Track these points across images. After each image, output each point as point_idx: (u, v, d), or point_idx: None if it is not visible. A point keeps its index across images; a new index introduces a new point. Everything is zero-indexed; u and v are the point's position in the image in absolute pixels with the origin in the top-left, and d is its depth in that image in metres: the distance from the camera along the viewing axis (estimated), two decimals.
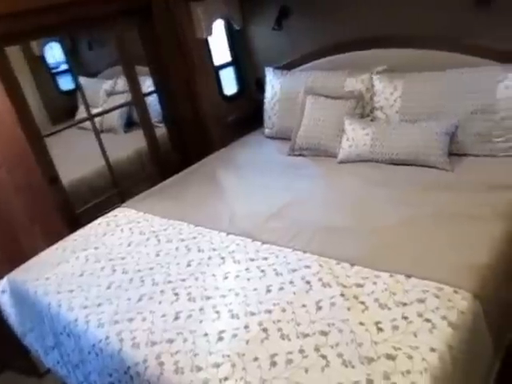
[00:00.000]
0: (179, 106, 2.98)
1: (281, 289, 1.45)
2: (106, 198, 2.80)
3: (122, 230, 2.06)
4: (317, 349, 1.18)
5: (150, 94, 2.98)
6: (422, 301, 1.27)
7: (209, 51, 3.06)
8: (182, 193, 2.33)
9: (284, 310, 1.34)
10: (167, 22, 2.75)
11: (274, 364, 1.17)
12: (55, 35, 3.26)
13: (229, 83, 3.35)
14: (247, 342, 1.26)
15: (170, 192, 2.38)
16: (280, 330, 1.27)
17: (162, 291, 1.56)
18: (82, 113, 3.52)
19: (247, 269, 1.59)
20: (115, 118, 3.47)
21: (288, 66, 2.92)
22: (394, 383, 1.04)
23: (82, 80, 3.19)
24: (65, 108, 3.99)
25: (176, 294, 1.53)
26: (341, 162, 2.33)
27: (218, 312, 1.40)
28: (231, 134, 3.05)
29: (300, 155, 2.55)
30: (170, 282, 1.61)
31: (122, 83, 3.56)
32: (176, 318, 1.42)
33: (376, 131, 2.25)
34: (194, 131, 3.05)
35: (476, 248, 1.47)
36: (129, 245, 1.92)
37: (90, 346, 1.47)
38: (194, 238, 1.87)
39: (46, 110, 3.90)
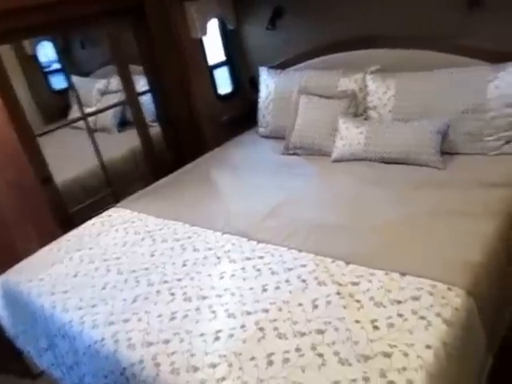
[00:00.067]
0: (173, 106, 2.97)
1: (277, 288, 1.45)
2: (99, 197, 2.78)
3: (116, 230, 2.05)
4: (313, 347, 1.19)
5: (143, 93, 2.97)
6: (416, 298, 1.28)
7: (203, 51, 3.06)
8: (177, 192, 2.33)
9: (280, 309, 1.35)
10: (161, 22, 2.74)
11: (270, 363, 1.17)
12: (47, 34, 3.24)
13: (223, 83, 3.35)
14: (244, 341, 1.26)
15: (164, 192, 2.37)
16: (276, 329, 1.28)
17: (157, 291, 1.56)
18: (74, 112, 3.49)
19: (243, 268, 1.59)
20: (109, 118, 3.45)
21: (282, 66, 2.92)
22: (391, 381, 1.05)
23: (75, 79, 3.17)
24: (57, 107, 3.96)
25: (172, 294, 1.53)
26: (335, 161, 2.34)
27: (214, 312, 1.40)
28: (225, 133, 3.05)
29: (294, 154, 2.56)
30: (165, 282, 1.60)
31: (115, 82, 3.54)
32: (172, 319, 1.41)
33: (369, 130, 2.26)
34: (189, 131, 3.04)
35: (469, 245, 1.48)
36: (123, 245, 1.91)
37: (84, 348, 1.46)
38: (189, 237, 1.87)
39: (39, 110, 3.86)
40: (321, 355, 1.16)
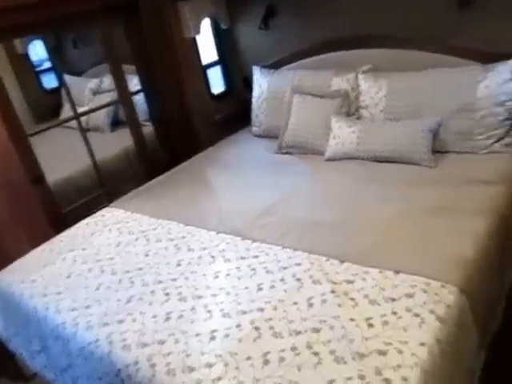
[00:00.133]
0: (166, 105, 2.96)
1: (272, 287, 1.45)
2: (92, 197, 2.76)
3: (110, 230, 2.04)
4: (309, 346, 1.19)
5: (136, 92, 2.95)
6: (410, 296, 1.30)
7: (196, 50, 3.05)
8: (171, 192, 2.32)
9: (275, 308, 1.35)
10: (154, 21, 2.73)
11: (266, 362, 1.17)
12: (39, 33, 3.20)
13: (216, 82, 3.34)
14: (239, 340, 1.26)
15: (158, 191, 2.37)
16: (272, 328, 1.28)
17: (152, 292, 1.55)
18: (66, 112, 3.46)
19: (238, 267, 1.59)
20: (101, 117, 3.42)
21: (275, 65, 2.92)
22: (386, 378, 1.06)
23: (67, 78, 3.13)
24: (49, 107, 3.92)
25: (166, 294, 1.52)
26: (328, 160, 2.35)
27: (209, 311, 1.40)
28: (219, 132, 3.05)
29: (287, 153, 2.56)
30: (160, 282, 1.60)
31: (108, 82, 3.51)
32: (167, 319, 1.41)
33: (362, 129, 2.27)
34: (182, 130, 3.03)
35: (461, 243, 1.50)
36: (117, 245, 1.90)
37: (78, 349, 1.45)
38: (184, 237, 1.86)
39: (30, 109, 3.82)
40: (316, 354, 1.17)
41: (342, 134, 2.31)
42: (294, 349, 1.20)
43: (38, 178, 2.37)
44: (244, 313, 1.36)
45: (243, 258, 1.64)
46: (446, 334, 1.18)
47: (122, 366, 1.30)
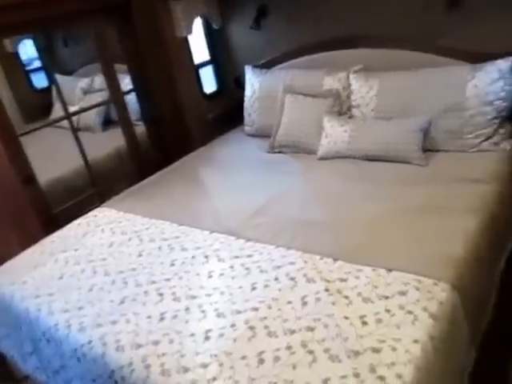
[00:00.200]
0: (158, 105, 2.95)
1: (266, 286, 1.45)
2: (84, 197, 2.74)
3: (102, 230, 2.03)
4: (304, 345, 1.20)
5: (128, 92, 2.93)
6: (403, 293, 1.31)
7: (189, 49, 3.04)
8: (163, 191, 2.31)
9: (270, 307, 1.35)
10: (146, 20, 2.72)
11: (261, 362, 1.17)
12: (30, 33, 3.17)
13: (208, 82, 3.33)
14: (234, 340, 1.26)
15: (150, 191, 2.35)
16: (267, 327, 1.28)
17: (145, 292, 1.55)
18: (57, 111, 3.43)
19: (232, 267, 1.59)
20: (92, 117, 3.40)
21: (267, 65, 2.92)
22: (380, 376, 1.07)
23: (58, 78, 3.10)
24: (39, 106, 3.87)
25: (160, 295, 1.52)
26: (320, 159, 2.36)
27: (203, 311, 1.40)
28: (211, 132, 3.04)
29: (280, 152, 2.57)
30: (153, 282, 1.59)
31: (99, 81, 3.49)
32: (161, 319, 1.41)
33: (353, 128, 2.28)
34: (174, 129, 3.02)
35: (452, 241, 1.52)
36: (110, 245, 1.89)
37: (71, 351, 1.44)
38: (177, 237, 1.86)
39: (20, 108, 3.78)
40: (311, 352, 1.17)
41: (334, 133, 2.32)
42: (288, 348, 1.20)
43: (28, 178, 2.34)
44: (238, 312, 1.36)
45: (237, 258, 1.64)
46: (439, 330, 1.19)
47: (115, 368, 1.29)
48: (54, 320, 1.51)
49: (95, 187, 2.80)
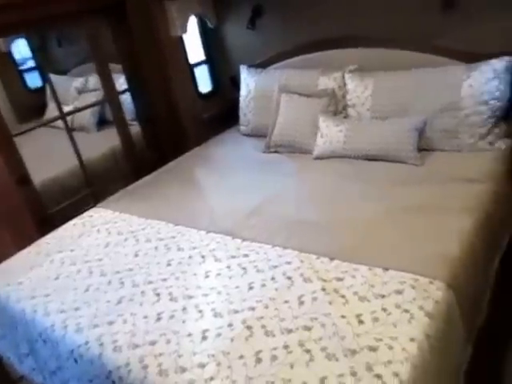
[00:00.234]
0: (154, 104, 2.94)
1: (263, 285, 1.46)
2: (79, 197, 2.73)
3: (98, 230, 2.02)
4: (301, 344, 1.20)
5: (123, 92, 2.92)
6: (399, 292, 1.31)
7: (184, 49, 3.04)
8: (159, 192, 2.31)
9: (267, 307, 1.36)
10: (141, 20, 2.71)
11: (259, 361, 1.18)
12: (24, 33, 3.15)
13: (203, 81, 3.33)
14: (232, 340, 1.26)
15: (146, 191, 2.35)
16: (264, 326, 1.28)
17: (142, 292, 1.54)
18: (51, 111, 3.41)
19: (228, 267, 1.59)
20: (87, 117, 3.38)
21: (262, 65, 2.93)
22: (377, 374, 1.07)
23: (52, 77, 3.08)
24: (33, 106, 3.85)
25: (157, 295, 1.52)
26: (316, 159, 2.37)
27: (200, 311, 1.40)
28: (206, 132, 3.04)
29: (276, 152, 2.57)
30: (150, 282, 1.59)
31: (93, 81, 3.48)
32: (158, 319, 1.40)
33: (349, 128, 2.29)
34: (169, 129, 3.01)
35: (448, 240, 1.53)
36: (106, 246, 1.88)
37: (68, 352, 1.43)
38: (174, 237, 1.86)
39: (13, 108, 3.75)
40: (308, 351, 1.17)
41: (330, 133, 2.33)
42: (286, 347, 1.20)
43: (23, 178, 2.33)
44: (235, 312, 1.37)
45: (233, 257, 1.64)
46: (435, 329, 1.20)
47: (113, 368, 1.29)
48: (51, 321, 1.51)
49: (90, 187, 2.79)
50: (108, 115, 3.28)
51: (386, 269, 1.42)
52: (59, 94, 2.63)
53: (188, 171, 2.51)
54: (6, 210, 2.23)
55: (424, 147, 2.17)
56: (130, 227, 2.00)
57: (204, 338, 1.29)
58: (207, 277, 1.57)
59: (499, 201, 1.82)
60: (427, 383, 1.12)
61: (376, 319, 1.23)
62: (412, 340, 1.15)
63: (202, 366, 1.20)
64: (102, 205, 2.28)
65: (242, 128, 2.93)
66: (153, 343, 1.31)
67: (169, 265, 1.68)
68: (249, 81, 2.86)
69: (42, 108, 3.80)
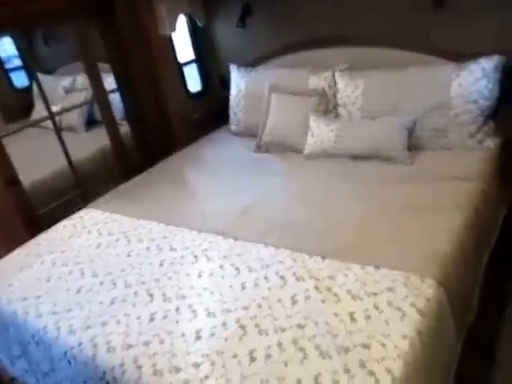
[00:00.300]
0: (143, 104, 2.92)
1: (256, 285, 1.46)
2: (68, 198, 2.70)
3: (89, 231, 2.01)
4: (294, 342, 1.21)
5: (112, 91, 2.90)
6: (391, 290, 1.33)
7: (173, 48, 3.03)
8: (149, 192, 2.30)
9: (260, 306, 1.36)
10: (130, 18, 2.69)
11: (253, 360, 1.18)
12: (10, 31, 3.10)
13: (192, 81, 3.32)
14: (225, 339, 1.27)
15: (136, 191, 2.34)
16: (257, 325, 1.29)
17: (135, 293, 1.54)
18: (39, 111, 3.37)
19: (221, 266, 1.60)
20: (75, 117, 3.35)
21: (252, 64, 2.93)
22: (370, 370, 1.09)
23: (39, 77, 3.05)
24: (19, 106, 3.80)
25: (150, 295, 1.51)
26: (307, 158, 2.38)
27: (194, 311, 1.40)
28: (196, 131, 3.04)
29: (266, 152, 2.58)
30: (143, 282, 1.59)
31: (81, 80, 3.45)
32: (151, 320, 1.40)
33: (340, 127, 2.31)
34: (159, 128, 3.00)
35: (438, 238, 1.55)
36: (97, 247, 1.87)
37: (61, 354, 1.42)
38: (165, 237, 1.85)
39: None
40: (302, 349, 1.19)
41: (321, 133, 2.34)
42: (279, 345, 1.21)
43: (11, 179, 2.30)
44: (229, 311, 1.37)
45: (226, 257, 1.64)
46: (427, 326, 1.22)
47: (107, 369, 1.28)
48: (43, 323, 1.50)
49: (79, 188, 2.76)
50: (97, 115, 3.26)
51: (378, 267, 1.44)
52: (47, 93, 2.60)
53: (178, 171, 2.51)
54: None
55: (414, 146, 2.19)
56: (121, 228, 1.99)
57: (198, 337, 1.30)
58: (200, 277, 1.57)
59: (487, 199, 1.85)
60: (419, 380, 1.14)
61: (368, 317, 1.25)
62: (404, 337, 1.17)
63: (197, 365, 1.20)
64: (93, 205, 2.27)
65: (233, 127, 2.93)
66: (147, 343, 1.31)
67: (161, 265, 1.67)
68: (239, 80, 2.86)
69: (28, 108, 3.75)
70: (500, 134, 2.17)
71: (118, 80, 2.88)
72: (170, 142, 3.00)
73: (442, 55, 2.25)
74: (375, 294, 1.33)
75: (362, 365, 1.11)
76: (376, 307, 1.28)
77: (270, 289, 1.43)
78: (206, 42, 3.24)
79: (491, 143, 2.14)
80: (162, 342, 1.31)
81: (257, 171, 2.35)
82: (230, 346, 1.24)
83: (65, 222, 2.13)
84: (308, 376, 1.11)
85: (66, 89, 3.58)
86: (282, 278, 1.47)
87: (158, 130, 3.01)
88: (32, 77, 3.89)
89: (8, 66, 3.97)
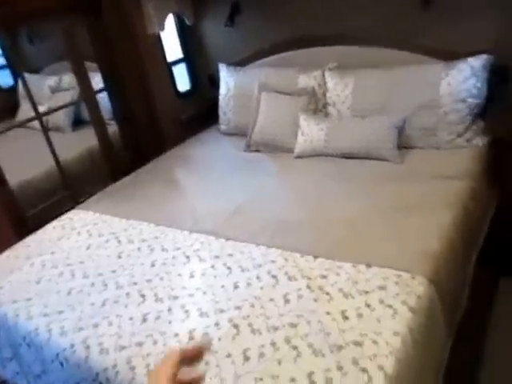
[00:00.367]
0: (131, 103, 2.90)
1: (248, 284, 1.47)
2: (56, 199, 2.67)
3: (78, 232, 1.99)
4: (287, 340, 1.22)
5: (99, 91, 2.87)
6: (382, 288, 1.35)
7: (161, 47, 3.01)
8: (139, 192, 2.29)
9: (253, 305, 1.37)
10: (117, 17, 2.66)
11: (247, 359, 1.19)
12: None
13: (181, 80, 3.30)
14: (219, 339, 1.27)
15: (126, 192, 2.32)
16: (250, 325, 1.30)
17: (127, 294, 1.53)
18: (25, 111, 3.32)
19: (213, 266, 1.60)
20: (61, 116, 3.30)
21: (241, 63, 2.93)
22: (363, 368, 1.10)
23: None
24: (4, 106, 3.74)
25: (142, 296, 1.51)
26: (297, 157, 2.39)
27: (186, 311, 1.40)
28: (185, 131, 3.02)
29: (256, 151, 2.58)
30: (134, 283, 1.58)
31: (68, 79, 3.40)
32: (144, 320, 1.40)
33: (329, 126, 2.32)
34: (147, 129, 2.98)
35: (428, 236, 1.57)
36: (88, 248, 1.86)
37: (53, 356, 1.41)
38: (157, 237, 1.85)
39: None
40: (295, 348, 1.19)
41: (311, 132, 2.35)
42: (273, 344, 1.22)
43: None
44: (222, 311, 1.37)
45: (218, 257, 1.64)
46: (418, 323, 1.24)
47: (100, 370, 1.28)
48: (34, 325, 1.48)
49: (68, 189, 2.73)
50: (84, 115, 3.22)
51: (369, 265, 1.45)
52: (32, 93, 2.57)
53: (168, 171, 2.49)
54: None
55: (404, 145, 2.21)
56: (111, 229, 1.98)
57: (191, 337, 1.30)
58: (192, 277, 1.57)
59: (476, 197, 1.87)
60: (411, 376, 1.15)
61: (360, 315, 1.26)
62: (396, 334, 1.18)
63: None
64: (82, 206, 2.25)
65: (222, 127, 2.92)
66: (140, 344, 1.31)
67: (153, 265, 1.67)
68: (228, 79, 2.86)
69: (13, 108, 3.69)
70: (488, 132, 2.20)
71: (105, 79, 2.85)
72: (158, 142, 2.98)
73: (431, 54, 2.26)
74: (367, 293, 1.34)
75: (355, 362, 1.12)
76: (368, 305, 1.29)
77: (262, 288, 1.44)
78: (194, 41, 3.22)
79: (480, 142, 2.16)
80: (155, 342, 1.31)
81: (247, 171, 2.35)
82: (224, 345, 1.25)
83: (54, 224, 2.11)
84: (301, 374, 1.12)
85: (52, 88, 3.53)
86: (274, 277, 1.48)
87: (146, 129, 2.99)
88: (17, 76, 3.83)
89: None
